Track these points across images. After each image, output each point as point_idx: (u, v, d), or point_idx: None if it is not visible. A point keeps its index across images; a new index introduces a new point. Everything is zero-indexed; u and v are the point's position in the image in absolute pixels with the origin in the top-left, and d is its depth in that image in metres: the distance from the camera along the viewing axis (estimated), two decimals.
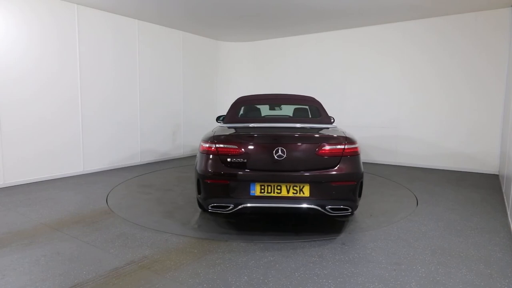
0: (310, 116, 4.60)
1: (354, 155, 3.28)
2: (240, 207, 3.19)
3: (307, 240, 3.27)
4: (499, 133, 6.27)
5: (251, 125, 3.88)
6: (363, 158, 7.62)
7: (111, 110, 6.66)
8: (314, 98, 4.48)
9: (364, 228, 3.61)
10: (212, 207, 3.29)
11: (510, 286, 2.47)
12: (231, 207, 3.21)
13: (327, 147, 3.23)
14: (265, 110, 4.93)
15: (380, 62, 7.41)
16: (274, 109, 5.04)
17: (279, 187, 3.17)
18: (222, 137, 3.37)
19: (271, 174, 3.19)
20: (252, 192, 3.18)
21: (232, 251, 3.03)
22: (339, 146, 3.24)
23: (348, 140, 3.30)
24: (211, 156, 3.30)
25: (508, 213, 3.91)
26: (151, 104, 7.46)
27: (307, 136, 3.37)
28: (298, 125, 3.85)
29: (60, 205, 4.36)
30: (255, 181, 3.18)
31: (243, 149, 3.24)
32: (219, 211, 3.28)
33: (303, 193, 3.15)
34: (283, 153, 3.18)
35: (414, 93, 7.06)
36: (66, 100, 5.92)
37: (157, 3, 5.93)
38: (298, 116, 4.56)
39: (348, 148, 3.25)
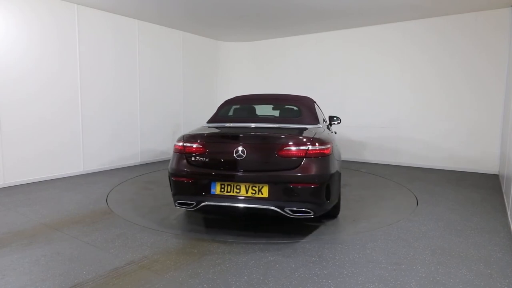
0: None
1: (320, 156, 3.18)
2: (201, 205, 3.25)
3: (307, 240, 3.27)
4: (499, 133, 6.27)
5: (227, 124, 3.95)
6: (362, 158, 7.70)
7: (111, 110, 6.66)
8: (304, 98, 4.39)
9: (364, 228, 3.61)
10: (178, 203, 3.39)
11: (510, 286, 2.47)
12: (193, 205, 3.29)
13: (288, 148, 3.17)
14: (264, 110, 4.87)
15: (380, 62, 7.41)
16: (276, 110, 4.98)
17: (238, 187, 3.18)
18: (190, 136, 3.46)
19: (231, 173, 3.21)
20: (212, 190, 3.23)
21: (232, 251, 3.03)
22: (301, 147, 3.16)
23: (316, 141, 3.20)
24: (179, 155, 3.43)
25: (508, 213, 3.91)
26: (151, 104, 7.46)
27: (268, 136, 3.33)
28: (273, 125, 3.78)
29: (60, 205, 4.36)
30: (215, 180, 3.23)
31: (206, 148, 3.32)
32: (184, 207, 3.38)
33: (262, 194, 3.13)
34: (243, 153, 3.18)
35: (414, 93, 7.06)
36: (66, 100, 5.92)
37: (157, 3, 5.93)
38: (283, 116, 4.50)
39: (313, 150, 3.15)
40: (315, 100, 5.12)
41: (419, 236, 3.38)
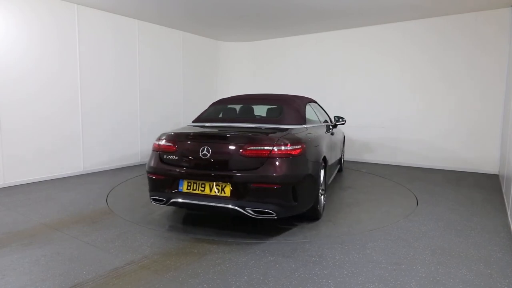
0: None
1: (290, 157, 3.16)
2: (170, 201, 3.37)
3: (307, 240, 3.27)
4: (499, 133, 6.26)
5: (207, 124, 4.06)
6: (362, 158, 7.69)
7: (111, 110, 6.66)
8: (296, 98, 4.35)
9: (363, 228, 3.61)
10: (153, 199, 3.52)
11: (510, 286, 2.47)
12: (164, 201, 3.41)
13: (251, 148, 3.17)
14: (256, 111, 4.81)
15: (380, 62, 7.41)
16: (264, 110, 4.92)
17: (203, 185, 3.25)
18: (165, 135, 3.60)
19: (196, 172, 3.29)
20: (180, 188, 3.34)
21: (232, 251, 3.03)
22: (265, 148, 3.14)
23: (284, 142, 3.17)
24: (155, 153, 3.58)
25: (508, 213, 3.91)
26: (151, 104, 7.46)
27: (231, 136, 3.34)
28: (250, 125, 3.78)
29: (60, 205, 4.36)
30: (183, 178, 3.33)
31: (177, 147, 3.44)
32: (158, 203, 3.49)
33: (224, 193, 3.17)
34: (208, 152, 3.25)
35: (414, 93, 7.06)
36: (66, 100, 5.92)
37: (157, 3, 5.93)
38: (268, 116, 4.46)
39: (279, 150, 3.12)
40: (315, 100, 5.11)
41: (419, 236, 3.38)
